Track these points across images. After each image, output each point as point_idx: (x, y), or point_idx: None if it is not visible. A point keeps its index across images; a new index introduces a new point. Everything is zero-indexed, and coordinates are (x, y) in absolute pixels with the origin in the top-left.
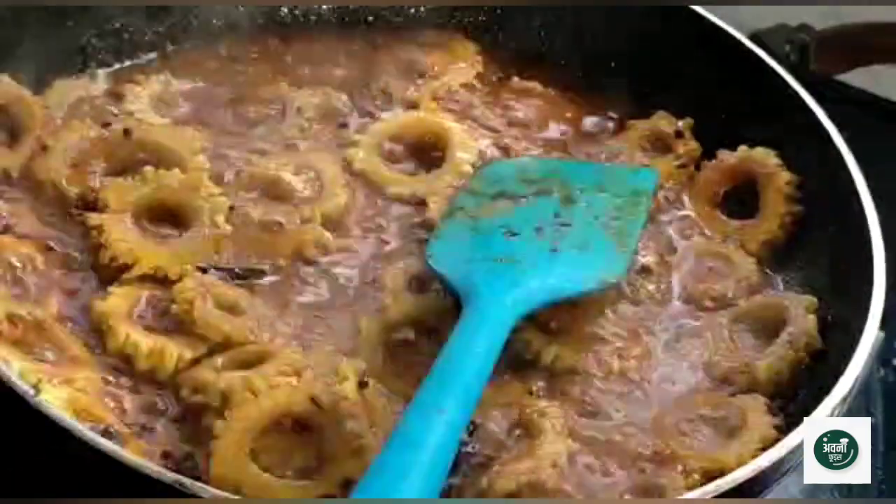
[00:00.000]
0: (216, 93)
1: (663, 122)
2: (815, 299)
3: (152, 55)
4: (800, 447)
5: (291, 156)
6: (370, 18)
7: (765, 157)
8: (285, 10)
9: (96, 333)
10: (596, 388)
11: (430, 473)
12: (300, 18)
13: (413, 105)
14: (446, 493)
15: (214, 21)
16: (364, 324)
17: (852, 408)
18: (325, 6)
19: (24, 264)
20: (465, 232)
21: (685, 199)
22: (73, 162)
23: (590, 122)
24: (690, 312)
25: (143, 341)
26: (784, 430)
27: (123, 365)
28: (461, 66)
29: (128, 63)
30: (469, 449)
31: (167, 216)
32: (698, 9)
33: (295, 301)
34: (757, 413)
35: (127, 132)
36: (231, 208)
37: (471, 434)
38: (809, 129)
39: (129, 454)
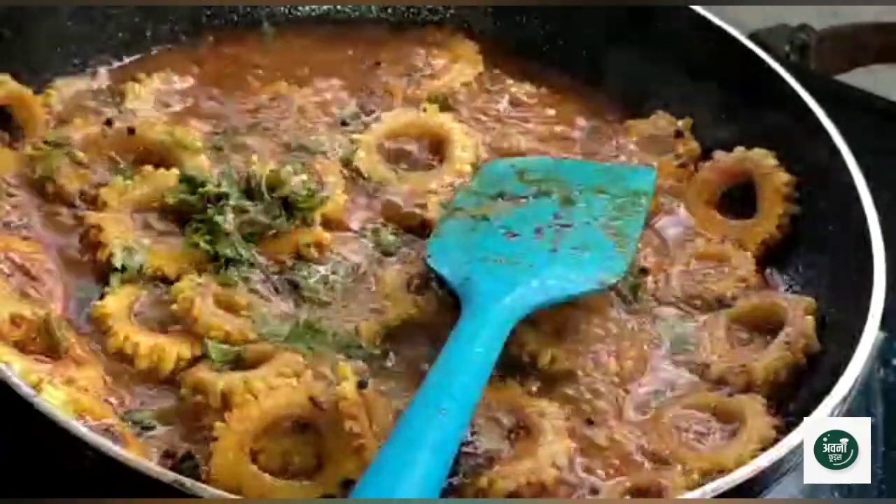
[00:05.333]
0: (217, 92)
1: (663, 122)
2: (813, 301)
3: (153, 53)
4: (800, 447)
5: (291, 156)
6: (371, 17)
7: (762, 158)
8: (286, 9)
9: (96, 333)
10: (594, 389)
11: (430, 473)
12: (301, 18)
13: (413, 105)
14: (446, 493)
15: (215, 20)
16: (363, 324)
17: (852, 408)
18: (325, 6)
19: (26, 263)
20: (465, 232)
21: (684, 199)
22: (75, 160)
23: (589, 122)
24: (688, 313)
25: (143, 341)
26: (783, 430)
27: (123, 364)
28: (461, 66)
29: (128, 60)
30: (469, 449)
31: (166, 215)
32: (698, 9)
33: (294, 301)
34: (756, 413)
35: (131, 130)
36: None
37: (471, 434)
38: (809, 129)
39: (129, 454)
